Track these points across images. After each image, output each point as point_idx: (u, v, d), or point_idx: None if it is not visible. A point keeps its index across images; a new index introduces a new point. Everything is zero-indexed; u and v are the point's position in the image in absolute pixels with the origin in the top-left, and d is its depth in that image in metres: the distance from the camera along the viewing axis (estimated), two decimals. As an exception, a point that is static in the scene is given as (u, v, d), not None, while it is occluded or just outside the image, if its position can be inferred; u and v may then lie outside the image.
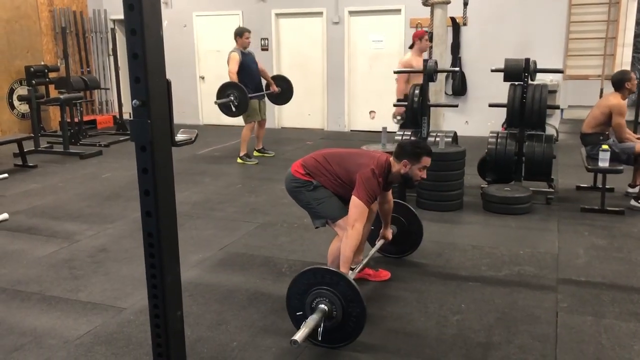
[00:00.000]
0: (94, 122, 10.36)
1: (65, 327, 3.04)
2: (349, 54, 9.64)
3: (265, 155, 7.65)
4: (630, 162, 5.08)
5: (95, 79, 9.94)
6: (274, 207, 5.28)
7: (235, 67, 6.91)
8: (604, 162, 4.84)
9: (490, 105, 5.68)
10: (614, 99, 5.07)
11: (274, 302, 3.30)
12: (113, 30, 9.83)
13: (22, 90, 9.25)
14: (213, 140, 8.66)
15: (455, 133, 5.72)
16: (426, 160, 3.17)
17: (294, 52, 10.04)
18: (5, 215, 4.91)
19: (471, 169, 5.64)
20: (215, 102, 6.83)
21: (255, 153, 7.58)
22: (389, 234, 3.60)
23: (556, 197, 5.35)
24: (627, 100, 5.23)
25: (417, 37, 6.40)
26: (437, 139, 5.33)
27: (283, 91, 7.69)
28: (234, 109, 6.76)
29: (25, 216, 5.07)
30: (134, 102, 1.51)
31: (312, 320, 2.63)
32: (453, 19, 8.61)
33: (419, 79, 5.49)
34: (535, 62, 5.37)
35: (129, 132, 9.58)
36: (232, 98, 6.72)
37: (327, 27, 9.62)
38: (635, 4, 9.05)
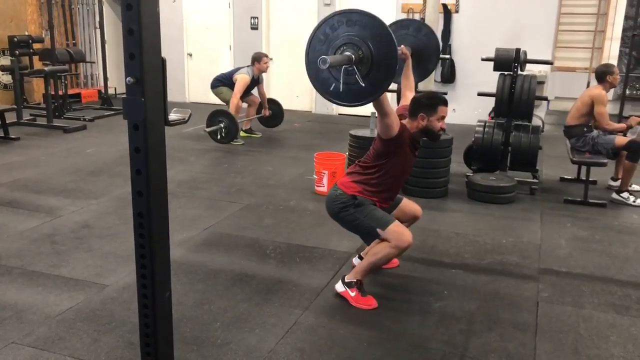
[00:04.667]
0: (78, 95, 10.20)
1: (47, 302, 3.02)
2: (339, 37, 9.54)
3: (252, 136, 7.62)
4: (609, 156, 5.13)
5: (80, 51, 9.76)
6: (260, 188, 5.26)
7: (241, 90, 7.02)
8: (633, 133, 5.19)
9: (479, 94, 5.71)
10: (596, 90, 5.13)
11: (259, 283, 3.31)
12: (100, 2, 9.65)
13: (5, 61, 9.04)
14: (199, 118, 8.54)
15: (443, 120, 5.72)
16: (443, 110, 3.10)
17: (284, 32, 9.94)
18: (-14, 188, 4.84)
19: (457, 157, 5.66)
20: (205, 131, 6.94)
21: (242, 134, 7.54)
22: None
23: (540, 187, 5.41)
24: (611, 92, 5.27)
25: None
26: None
27: (274, 115, 7.83)
28: (219, 136, 6.93)
29: (6, 189, 4.99)
30: (127, 79, 1.48)
31: (342, 56, 2.57)
32: (445, 6, 8.59)
33: None
34: (525, 53, 5.39)
35: (114, 107, 9.48)
36: (221, 126, 6.83)
37: (319, 8, 9.52)
38: (625, -2, 9.08)
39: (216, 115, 6.91)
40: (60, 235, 3.97)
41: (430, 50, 4.04)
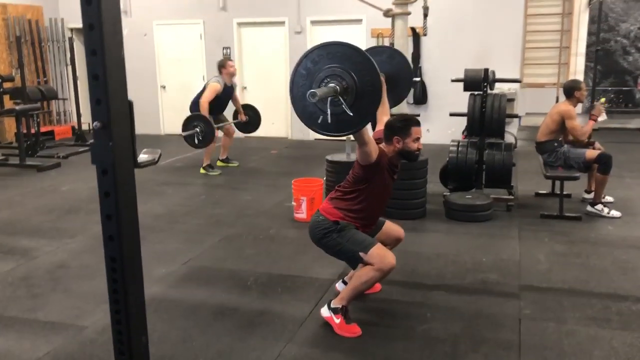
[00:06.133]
0: (51, 133, 10.09)
1: (23, 348, 2.94)
2: (312, 63, 9.65)
3: (229, 165, 7.60)
4: (581, 169, 5.22)
5: (52, 89, 9.69)
6: (238, 218, 5.23)
7: (210, 96, 6.87)
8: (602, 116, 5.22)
9: (451, 115, 5.78)
10: (564, 105, 5.24)
11: (240, 317, 3.27)
12: (71, 39, 9.62)
13: (-25, 101, 8.94)
14: (175, 150, 8.53)
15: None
16: (416, 131, 3.14)
17: (256, 61, 10.00)
18: (-42, 233, 4.74)
19: (433, 177, 5.71)
20: (181, 135, 6.82)
21: (219, 163, 7.51)
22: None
23: (516, 203, 5.47)
24: (579, 106, 5.38)
25: None
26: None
27: (250, 120, 7.77)
28: (196, 141, 6.77)
29: (-21, 233, 4.90)
30: (94, 124, 1.47)
31: (328, 88, 2.59)
32: (413, 29, 8.74)
33: None
34: (494, 72, 5.49)
35: (88, 143, 9.39)
36: (197, 130, 6.72)
37: (290, 36, 9.63)
38: (587, 15, 9.37)
39: (191, 120, 6.80)
40: (35, 278, 3.89)
41: (403, 76, 4.11)
